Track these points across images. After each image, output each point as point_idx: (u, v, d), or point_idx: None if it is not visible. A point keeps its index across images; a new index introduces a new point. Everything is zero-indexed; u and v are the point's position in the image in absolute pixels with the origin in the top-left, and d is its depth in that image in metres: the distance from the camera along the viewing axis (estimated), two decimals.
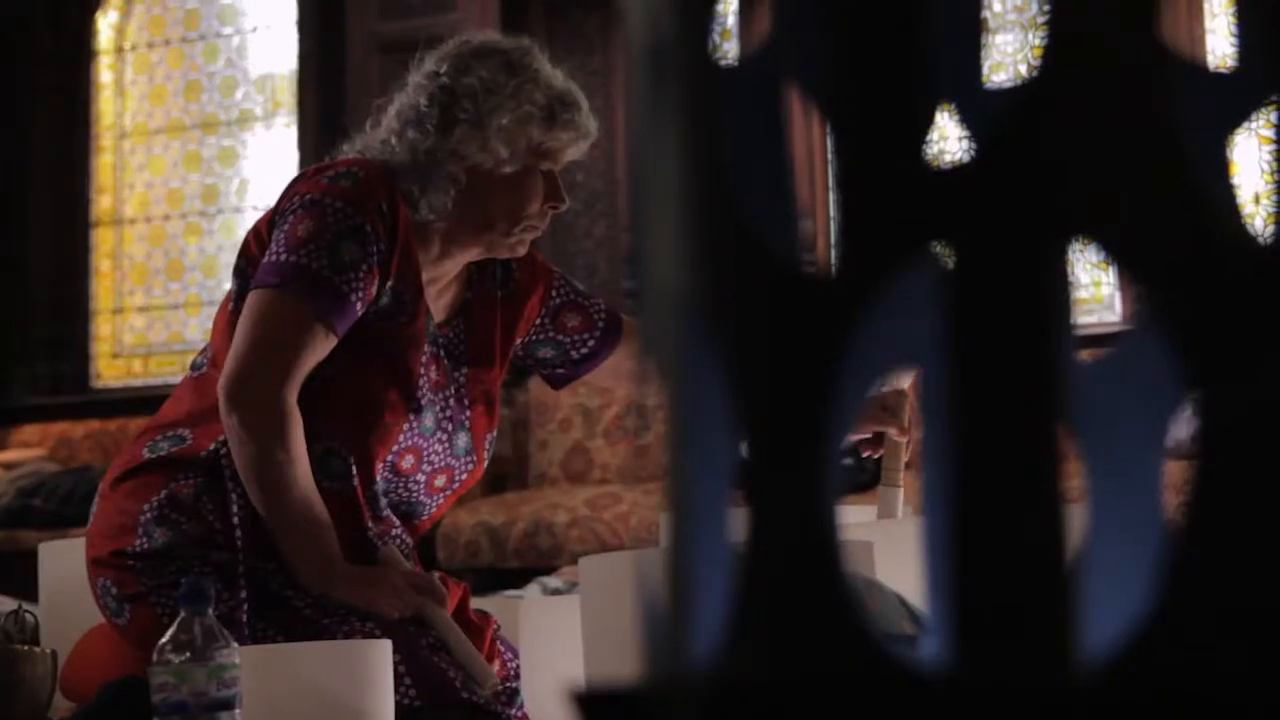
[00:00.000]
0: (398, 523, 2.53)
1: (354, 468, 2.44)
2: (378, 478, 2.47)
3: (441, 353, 2.56)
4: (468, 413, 2.59)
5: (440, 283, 2.58)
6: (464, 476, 2.60)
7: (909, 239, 0.69)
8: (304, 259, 2.40)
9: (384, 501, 2.50)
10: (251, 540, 2.41)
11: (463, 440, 2.58)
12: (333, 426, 2.44)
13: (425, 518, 2.60)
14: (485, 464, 2.65)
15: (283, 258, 2.41)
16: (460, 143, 2.47)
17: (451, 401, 2.56)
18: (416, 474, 2.52)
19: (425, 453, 2.52)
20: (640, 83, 0.79)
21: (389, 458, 2.47)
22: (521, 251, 2.57)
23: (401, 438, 2.47)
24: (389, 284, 2.45)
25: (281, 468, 2.35)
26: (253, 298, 2.42)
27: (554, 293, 2.70)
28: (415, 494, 2.54)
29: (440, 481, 2.57)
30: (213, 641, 1.92)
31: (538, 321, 2.70)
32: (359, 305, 2.41)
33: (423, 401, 2.49)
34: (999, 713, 0.65)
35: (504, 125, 2.46)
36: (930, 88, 0.71)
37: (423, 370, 2.49)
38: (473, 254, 2.56)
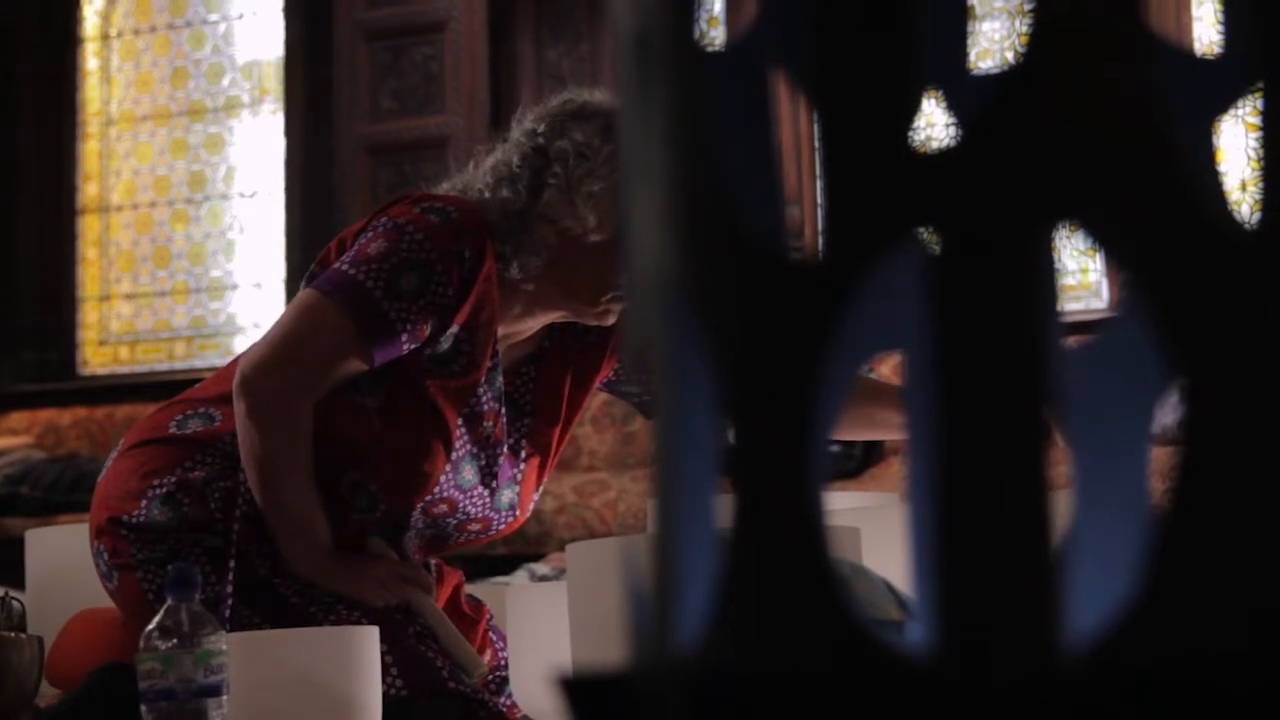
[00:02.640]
0: (418, 561, 2.51)
1: (380, 506, 2.42)
2: (410, 522, 2.45)
3: (502, 408, 2.50)
4: (522, 466, 2.55)
5: (518, 337, 2.53)
6: (501, 526, 2.56)
7: (895, 224, 0.69)
8: (362, 275, 2.36)
9: (412, 534, 2.48)
10: (249, 529, 2.41)
11: (508, 496, 2.53)
12: (368, 464, 2.40)
13: (451, 544, 2.58)
14: (528, 515, 2.61)
15: (344, 269, 2.37)
16: (549, 207, 2.41)
17: (504, 456, 2.51)
18: (449, 519, 2.50)
19: (461, 504, 2.47)
20: (627, 69, 0.79)
21: (421, 505, 2.45)
22: (609, 322, 2.49)
23: (437, 489, 2.46)
24: (452, 331, 2.40)
25: (280, 462, 2.34)
26: (300, 295, 2.40)
27: None
28: (445, 529, 2.53)
29: (475, 527, 2.53)
30: (200, 628, 1.92)
31: (617, 365, 2.64)
32: (405, 339, 2.36)
33: (459, 455, 2.44)
34: (985, 698, 0.65)
35: (594, 192, 2.39)
36: (917, 74, 0.71)
37: (461, 423, 2.43)
38: (555, 317, 2.50)
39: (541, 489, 2.61)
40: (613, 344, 2.61)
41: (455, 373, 2.41)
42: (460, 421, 2.43)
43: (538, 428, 2.56)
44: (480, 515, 2.51)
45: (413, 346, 2.38)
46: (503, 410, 2.49)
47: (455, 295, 2.38)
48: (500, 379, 2.49)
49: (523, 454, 2.54)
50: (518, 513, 2.56)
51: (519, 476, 2.54)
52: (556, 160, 2.41)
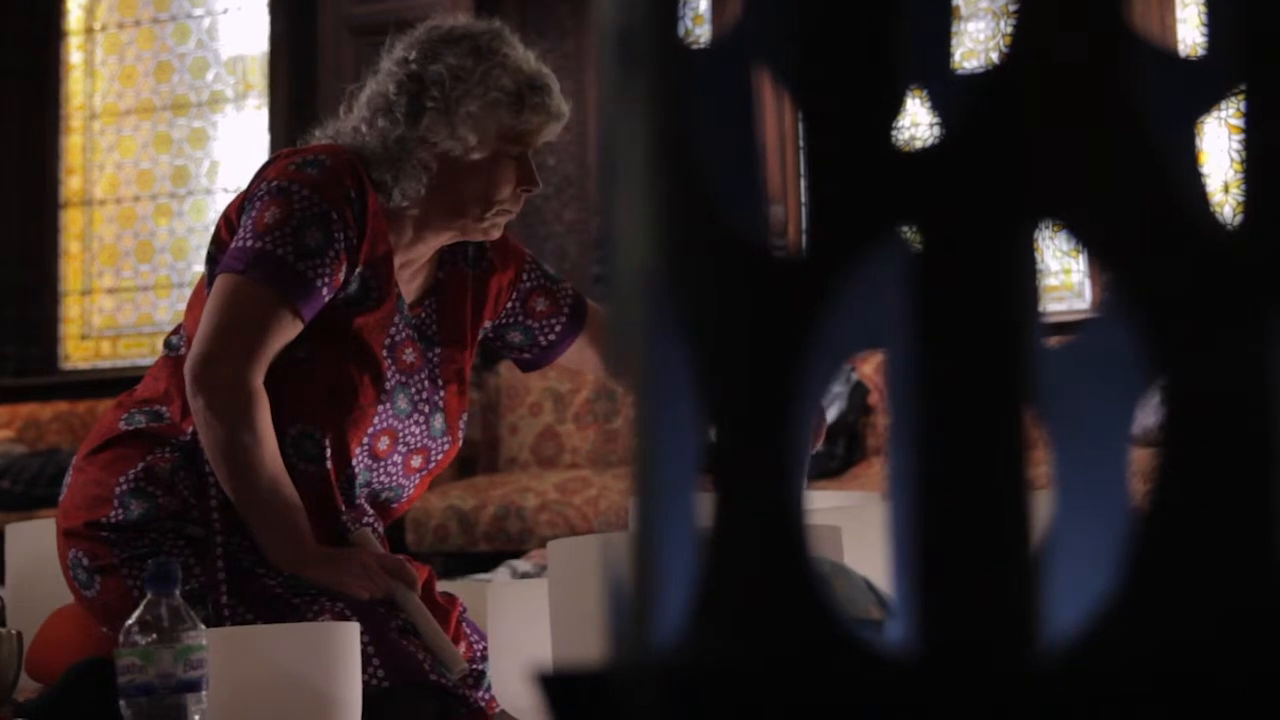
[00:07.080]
0: (370, 511, 2.54)
1: (328, 450, 2.44)
2: (354, 461, 2.47)
3: (414, 335, 2.56)
4: (441, 393, 2.61)
5: (413, 266, 2.59)
6: (440, 456, 2.63)
7: (877, 222, 0.69)
8: (269, 245, 2.40)
9: (359, 487, 2.50)
10: (226, 517, 2.41)
11: (439, 421, 2.60)
12: (307, 411, 2.44)
13: (404, 500, 2.61)
14: (460, 443, 2.67)
15: (249, 244, 2.41)
16: (429, 130, 2.48)
17: (426, 383, 2.57)
18: (393, 455, 2.53)
19: (401, 434, 2.53)
20: (610, 66, 0.79)
21: (365, 440, 2.48)
22: (495, 235, 2.58)
23: (376, 420, 2.48)
24: (358, 270, 2.47)
25: (248, 450, 2.36)
26: (219, 283, 2.43)
27: (525, 276, 2.71)
28: (394, 476, 2.55)
29: (417, 462, 2.58)
30: (180, 623, 1.91)
31: (508, 305, 2.71)
32: (325, 291, 2.42)
33: (391, 384, 2.49)
34: (965, 696, 0.65)
35: (472, 112, 2.47)
36: (901, 72, 0.71)
37: (386, 354, 2.50)
38: (446, 238, 2.57)
39: (466, 416, 2.68)
40: (508, 273, 2.69)
41: (370, 307, 2.49)
42: (386, 353, 2.51)
43: (448, 356, 2.63)
44: (420, 445, 2.57)
45: (332, 294, 2.44)
46: (415, 336, 2.57)
47: (357, 234, 2.46)
48: (406, 306, 2.57)
49: (440, 382, 2.61)
50: (450, 439, 2.63)
51: (441, 403, 2.61)
52: (433, 84, 2.49)
